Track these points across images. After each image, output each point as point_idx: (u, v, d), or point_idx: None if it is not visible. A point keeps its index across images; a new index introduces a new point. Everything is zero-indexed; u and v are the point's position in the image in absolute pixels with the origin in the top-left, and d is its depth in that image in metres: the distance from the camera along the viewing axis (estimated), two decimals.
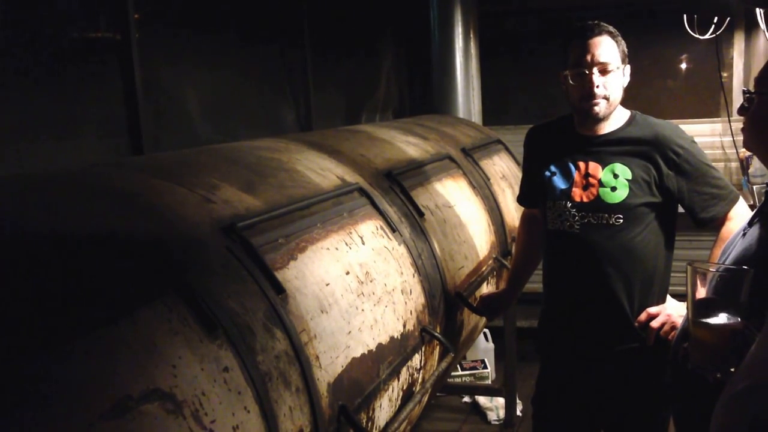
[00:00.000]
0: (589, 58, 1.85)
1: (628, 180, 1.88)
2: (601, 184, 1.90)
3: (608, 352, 1.93)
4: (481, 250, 2.48)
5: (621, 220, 1.89)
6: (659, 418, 1.96)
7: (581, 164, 1.94)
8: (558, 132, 2.05)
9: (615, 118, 1.94)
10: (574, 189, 1.94)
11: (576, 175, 1.94)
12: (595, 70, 1.85)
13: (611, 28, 1.91)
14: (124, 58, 2.42)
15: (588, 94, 1.87)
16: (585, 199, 1.92)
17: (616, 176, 1.89)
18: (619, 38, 1.91)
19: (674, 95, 4.87)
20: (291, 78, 3.66)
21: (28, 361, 0.84)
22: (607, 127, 1.94)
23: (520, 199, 2.28)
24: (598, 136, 1.94)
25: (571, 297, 1.99)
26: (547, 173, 2.00)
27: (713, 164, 1.94)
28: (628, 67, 1.94)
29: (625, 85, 1.94)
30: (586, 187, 1.93)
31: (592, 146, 1.95)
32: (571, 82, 1.89)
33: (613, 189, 1.89)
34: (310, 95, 3.73)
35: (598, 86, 1.86)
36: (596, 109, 1.87)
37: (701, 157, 1.91)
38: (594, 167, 1.93)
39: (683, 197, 1.89)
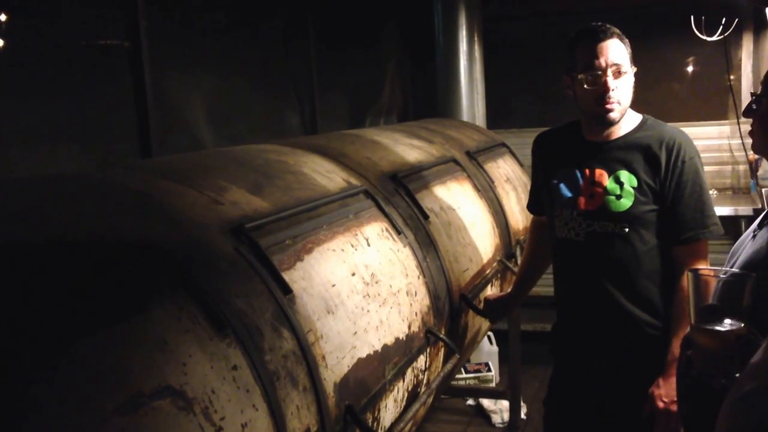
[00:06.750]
0: (602, 61, 1.80)
1: (633, 188, 1.84)
2: (606, 192, 1.86)
3: (617, 359, 1.92)
4: (485, 252, 2.49)
5: (626, 230, 1.85)
6: None
7: (587, 171, 1.90)
8: (565, 138, 2.00)
9: (625, 123, 1.89)
10: (580, 197, 1.90)
11: (582, 183, 1.91)
12: (609, 72, 1.80)
13: (617, 30, 1.87)
14: (135, 64, 2.46)
15: (602, 97, 1.81)
16: (591, 207, 1.89)
17: (621, 184, 1.85)
18: (626, 40, 1.87)
19: (681, 98, 4.80)
20: (296, 82, 3.69)
21: (46, 357, 0.86)
22: (616, 132, 1.89)
23: (530, 207, 2.25)
24: (606, 141, 1.90)
25: (580, 305, 1.97)
26: (555, 180, 1.97)
27: (708, 188, 1.89)
28: (634, 69, 1.89)
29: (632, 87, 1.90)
30: (592, 195, 1.89)
31: (599, 152, 1.90)
32: (585, 86, 1.83)
33: (618, 197, 1.85)
34: (315, 99, 3.75)
35: (613, 89, 1.81)
36: (611, 114, 1.83)
37: (700, 174, 1.85)
38: (600, 174, 1.88)
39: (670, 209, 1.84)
